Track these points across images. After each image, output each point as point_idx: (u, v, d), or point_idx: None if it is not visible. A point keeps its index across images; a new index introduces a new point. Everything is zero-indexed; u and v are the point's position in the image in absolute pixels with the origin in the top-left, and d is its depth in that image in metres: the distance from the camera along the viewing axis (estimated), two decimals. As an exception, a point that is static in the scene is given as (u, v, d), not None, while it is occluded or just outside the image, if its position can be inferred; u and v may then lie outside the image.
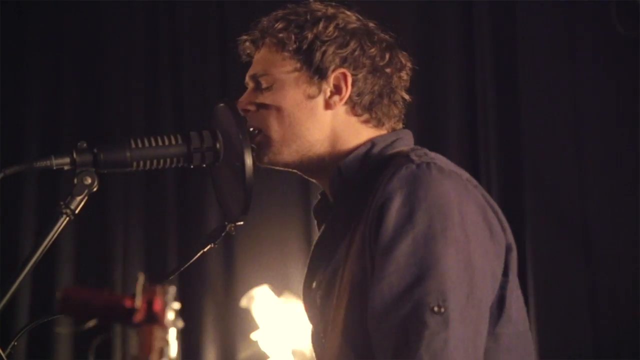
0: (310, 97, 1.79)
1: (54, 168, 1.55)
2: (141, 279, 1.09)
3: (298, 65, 1.80)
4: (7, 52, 4.05)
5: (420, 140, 4.19)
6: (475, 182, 1.77)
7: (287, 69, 1.80)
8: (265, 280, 3.96)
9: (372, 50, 1.82)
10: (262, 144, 1.79)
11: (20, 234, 4.02)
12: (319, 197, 1.90)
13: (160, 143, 1.63)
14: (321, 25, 1.80)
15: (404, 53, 1.88)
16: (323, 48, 1.79)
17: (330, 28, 1.80)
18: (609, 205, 3.50)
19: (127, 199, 4.12)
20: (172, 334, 1.10)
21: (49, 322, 3.96)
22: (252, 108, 1.81)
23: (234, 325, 4.04)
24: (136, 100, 4.19)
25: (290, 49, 1.81)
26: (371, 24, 1.88)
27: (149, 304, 1.09)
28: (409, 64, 1.87)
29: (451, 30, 3.88)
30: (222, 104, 1.79)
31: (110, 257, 4.08)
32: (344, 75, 1.79)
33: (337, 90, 1.79)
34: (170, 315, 1.10)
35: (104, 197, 4.03)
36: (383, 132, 1.83)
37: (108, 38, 4.22)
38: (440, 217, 1.59)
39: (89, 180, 1.55)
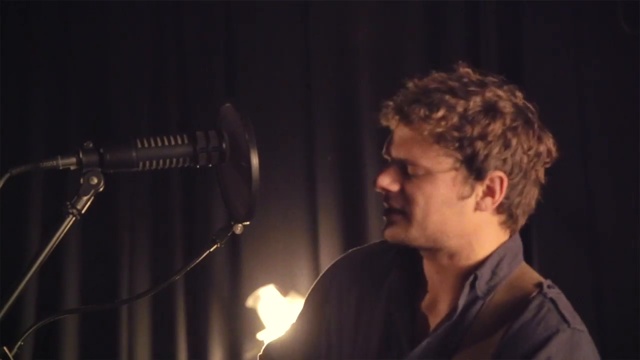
0: (462, 198, 1.69)
1: (60, 168, 1.55)
2: None
3: (456, 164, 1.67)
4: (12, 52, 4.06)
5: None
6: None
7: (443, 167, 1.67)
8: (271, 280, 3.96)
9: (531, 150, 1.71)
10: (399, 225, 1.71)
11: (26, 234, 4.02)
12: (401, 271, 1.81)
13: (166, 143, 1.62)
14: (487, 123, 1.67)
15: (549, 135, 1.76)
16: (486, 150, 1.66)
17: (497, 127, 1.67)
18: (615, 205, 3.50)
19: (134, 198, 4.13)
20: None
21: (55, 323, 3.97)
22: (395, 189, 1.71)
23: (240, 325, 4.04)
24: (142, 100, 4.19)
25: (450, 145, 1.66)
26: (522, 105, 1.73)
27: None
28: (554, 151, 1.77)
29: (457, 29, 3.88)
30: (228, 104, 1.78)
31: (117, 257, 4.09)
32: (501, 179, 1.69)
33: (490, 192, 1.70)
34: None
35: (110, 198, 4.04)
36: (508, 232, 1.76)
37: (114, 38, 4.22)
38: None
39: (95, 181, 1.55)
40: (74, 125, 4.14)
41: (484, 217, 1.72)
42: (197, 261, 1.70)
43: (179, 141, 1.64)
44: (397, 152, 1.72)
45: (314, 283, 1.94)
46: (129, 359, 4.07)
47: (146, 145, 1.60)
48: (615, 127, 3.53)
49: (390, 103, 1.75)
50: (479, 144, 1.66)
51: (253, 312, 3.92)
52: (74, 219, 1.54)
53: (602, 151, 3.58)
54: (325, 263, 4.02)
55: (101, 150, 1.57)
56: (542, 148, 1.74)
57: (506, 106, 1.70)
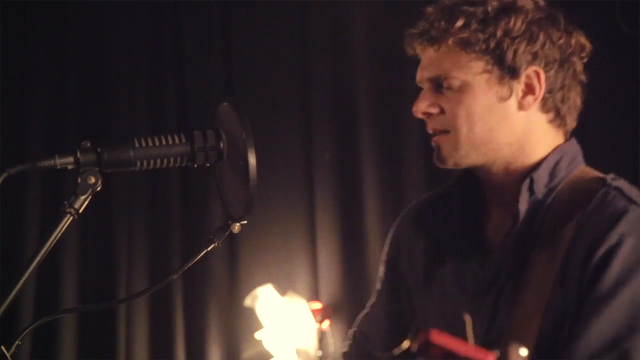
0: (503, 99, 1.67)
1: (58, 167, 1.55)
2: (468, 321, 1.04)
3: (488, 66, 1.67)
4: (10, 52, 4.06)
5: (423, 141, 4.18)
6: None
7: (475, 71, 1.67)
8: (269, 279, 3.97)
9: (561, 40, 1.70)
10: (447, 145, 1.70)
11: (24, 233, 4.02)
12: (454, 188, 1.80)
13: (163, 142, 1.62)
14: (508, 19, 1.67)
15: (582, 32, 1.75)
16: (514, 46, 1.66)
17: (519, 22, 1.66)
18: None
19: (131, 198, 4.13)
20: None
21: (53, 322, 3.97)
22: (435, 111, 1.70)
23: (238, 325, 4.05)
24: (140, 99, 4.19)
25: (477, 49, 1.66)
26: (544, 3, 1.73)
27: None
28: (588, 45, 1.76)
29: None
30: (225, 103, 1.77)
31: (114, 256, 4.09)
32: (537, 73, 1.67)
33: (529, 89, 1.68)
34: None
35: (108, 197, 4.04)
36: (561, 133, 1.74)
37: (112, 38, 4.22)
38: None
39: (92, 180, 1.54)
40: (71, 125, 4.14)
41: (531, 117, 1.70)
42: (195, 260, 1.70)
43: (177, 140, 1.64)
44: (428, 72, 1.72)
45: (385, 246, 1.91)
46: (127, 358, 4.07)
47: (144, 144, 1.60)
48: (613, 127, 3.53)
49: (411, 30, 1.76)
50: (506, 41, 1.66)
51: (251, 312, 3.92)
52: (71, 218, 1.54)
53: (602, 151, 3.58)
54: (323, 262, 4.03)
55: (99, 150, 1.57)
56: (573, 40, 1.72)
57: (525, 4, 1.69)
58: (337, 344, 3.96)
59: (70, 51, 4.20)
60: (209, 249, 1.72)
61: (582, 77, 1.77)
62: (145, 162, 1.61)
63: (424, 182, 3.96)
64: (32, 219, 4.04)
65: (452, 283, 1.74)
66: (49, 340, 4.00)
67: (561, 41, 1.70)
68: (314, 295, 4.02)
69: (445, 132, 1.70)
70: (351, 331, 1.95)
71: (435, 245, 1.80)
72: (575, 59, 1.73)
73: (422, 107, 1.71)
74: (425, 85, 1.73)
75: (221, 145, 1.68)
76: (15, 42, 4.11)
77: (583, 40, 1.75)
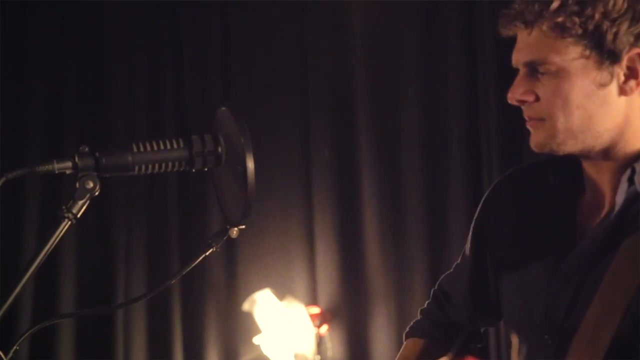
0: (602, 85, 1.58)
1: (56, 172, 1.55)
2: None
3: (586, 51, 1.57)
4: (9, 56, 4.06)
5: (422, 141, 4.17)
6: None
7: (572, 56, 1.57)
8: (267, 284, 3.97)
9: None
10: (543, 132, 1.62)
11: (22, 238, 4.02)
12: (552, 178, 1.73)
13: (162, 147, 1.62)
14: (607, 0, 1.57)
15: None
16: (614, 29, 1.56)
17: (619, 2, 1.56)
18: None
19: (129, 203, 4.13)
20: None
21: (51, 327, 3.97)
22: (530, 98, 1.62)
23: (236, 329, 4.04)
24: (138, 104, 4.20)
25: (574, 33, 1.57)
26: None
27: None
28: None
29: (453, 30, 3.89)
30: (224, 108, 1.77)
31: (113, 261, 4.09)
32: (639, 56, 1.57)
33: (631, 73, 1.58)
34: None
35: (106, 202, 4.04)
36: None
37: (110, 43, 4.23)
38: None
39: (90, 185, 1.54)
40: (69, 130, 4.14)
41: (634, 102, 1.61)
42: (193, 265, 1.70)
43: (175, 145, 1.64)
44: (524, 56, 1.64)
45: (478, 210, 1.85)
46: (125, 363, 4.07)
47: (142, 149, 1.60)
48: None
49: (505, 12, 1.67)
50: (605, 24, 1.56)
51: (249, 316, 3.92)
52: (69, 223, 1.53)
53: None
54: (321, 267, 4.03)
55: (97, 155, 1.57)
56: None
57: None
58: (335, 349, 3.96)
59: (69, 57, 4.20)
60: (207, 253, 1.72)
61: None
62: (143, 167, 1.61)
63: (423, 184, 3.96)
64: (31, 224, 4.04)
65: (535, 262, 1.68)
66: (47, 344, 4.00)
67: None
68: (312, 300, 4.02)
69: (541, 119, 1.63)
70: (433, 290, 1.92)
71: (523, 220, 1.74)
72: None
73: (517, 94, 1.64)
74: (521, 70, 1.65)
75: (219, 149, 1.68)
76: (13, 47, 4.11)
77: None
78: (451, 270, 1.91)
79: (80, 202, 1.53)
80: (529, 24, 1.62)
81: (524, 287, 1.69)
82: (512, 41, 1.67)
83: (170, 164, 1.64)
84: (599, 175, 1.66)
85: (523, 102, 1.64)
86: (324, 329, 3.94)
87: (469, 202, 3.73)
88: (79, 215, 1.53)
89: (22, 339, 1.58)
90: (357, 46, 4.10)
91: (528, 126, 1.66)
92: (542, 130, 1.63)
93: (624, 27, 1.56)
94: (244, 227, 1.71)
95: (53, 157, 1.52)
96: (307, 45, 4.19)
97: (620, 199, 1.61)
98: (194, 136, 1.66)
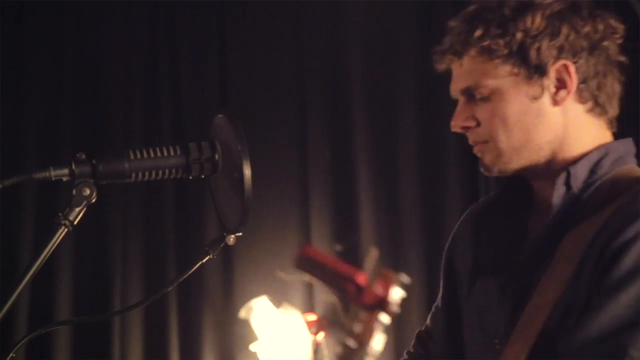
0: (535, 98, 1.67)
1: (53, 179, 1.55)
2: (374, 254, 1.07)
3: (514, 68, 1.66)
4: (6, 62, 4.06)
5: (420, 145, 4.15)
6: None
7: (502, 75, 1.67)
8: (264, 291, 3.96)
9: (585, 27, 1.67)
10: (489, 154, 1.71)
11: (18, 245, 4.01)
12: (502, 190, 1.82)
13: (158, 154, 1.62)
14: (526, 18, 1.66)
15: (611, 14, 1.72)
16: (536, 44, 1.65)
17: (537, 19, 1.66)
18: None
19: (126, 210, 4.12)
20: (388, 323, 1.07)
21: (47, 334, 3.95)
22: (471, 124, 1.72)
23: (233, 336, 4.03)
24: (135, 111, 4.19)
25: (500, 54, 1.66)
26: None
27: (382, 289, 1.07)
28: (620, 26, 1.72)
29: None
30: (221, 115, 1.77)
31: (109, 268, 4.08)
32: (565, 67, 1.66)
33: (561, 83, 1.66)
34: (394, 306, 1.07)
35: (102, 209, 4.03)
36: (603, 122, 1.73)
37: (108, 49, 4.22)
38: None
39: (87, 192, 1.54)
40: (66, 137, 4.13)
41: (568, 110, 1.68)
42: (190, 272, 1.70)
43: (172, 152, 1.64)
44: (459, 85, 1.73)
45: (448, 241, 1.94)
46: (122, 370, 4.06)
47: (139, 156, 1.60)
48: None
49: (438, 47, 1.78)
50: (527, 41, 1.65)
51: (246, 323, 3.91)
52: (66, 230, 1.54)
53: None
54: (318, 274, 4.02)
55: (94, 162, 1.57)
56: (601, 25, 1.69)
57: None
58: (331, 356, 3.96)
59: (66, 63, 4.20)
60: (204, 260, 1.72)
61: (619, 59, 1.73)
62: (140, 174, 1.61)
63: (421, 189, 3.96)
64: (27, 231, 4.03)
65: (490, 283, 1.74)
66: (43, 352, 3.99)
67: (586, 29, 1.68)
68: (308, 307, 4.01)
69: (485, 142, 1.71)
70: (418, 331, 1.98)
71: (482, 245, 1.81)
72: (607, 43, 1.70)
73: (459, 122, 1.73)
74: (460, 99, 1.74)
75: (216, 157, 1.68)
76: (11, 51, 4.10)
77: (613, 22, 1.72)
78: (433, 308, 1.96)
79: (77, 209, 1.53)
80: (458, 54, 1.72)
81: (481, 310, 1.75)
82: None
83: (167, 171, 1.64)
84: (544, 186, 1.72)
85: (466, 128, 1.73)
86: (321, 336, 3.94)
87: (467, 207, 3.71)
88: (75, 222, 1.54)
89: (18, 346, 1.58)
90: (355, 48, 4.10)
91: (475, 152, 1.74)
92: (488, 152, 1.71)
93: (545, 42, 1.65)
94: (240, 234, 1.71)
95: (50, 164, 1.52)
96: (304, 47, 4.20)
97: (557, 201, 1.67)
98: (190, 143, 1.66)
